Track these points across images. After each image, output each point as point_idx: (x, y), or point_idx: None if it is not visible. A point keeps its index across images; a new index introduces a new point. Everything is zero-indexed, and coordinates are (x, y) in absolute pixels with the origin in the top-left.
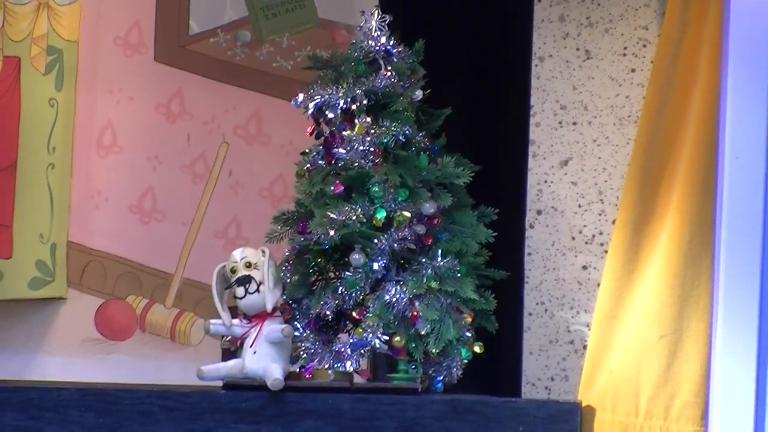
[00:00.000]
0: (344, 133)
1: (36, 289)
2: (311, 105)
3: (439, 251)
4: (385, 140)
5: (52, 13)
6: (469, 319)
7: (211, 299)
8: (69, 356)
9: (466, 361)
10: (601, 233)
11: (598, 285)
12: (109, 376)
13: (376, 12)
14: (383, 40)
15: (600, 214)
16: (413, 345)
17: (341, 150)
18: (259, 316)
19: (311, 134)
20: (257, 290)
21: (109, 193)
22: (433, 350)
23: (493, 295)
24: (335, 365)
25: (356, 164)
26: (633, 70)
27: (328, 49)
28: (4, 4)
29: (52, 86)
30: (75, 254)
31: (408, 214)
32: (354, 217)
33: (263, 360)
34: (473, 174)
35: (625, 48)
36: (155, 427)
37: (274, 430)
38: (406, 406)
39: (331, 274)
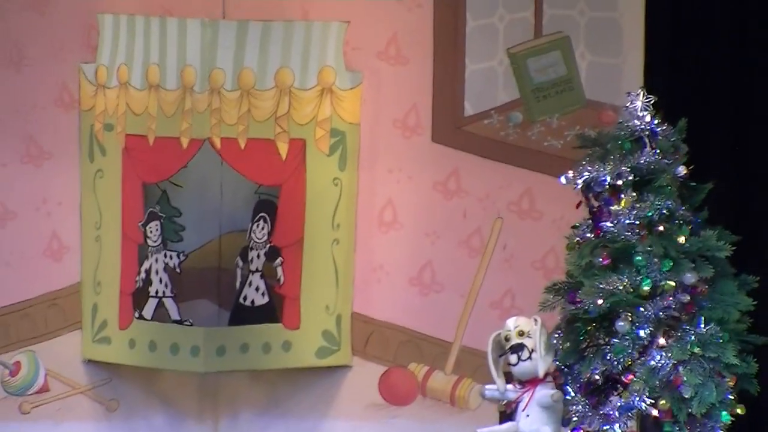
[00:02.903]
0: (611, 207)
1: (323, 357)
2: (579, 181)
3: (702, 318)
4: (649, 214)
5: (335, 97)
6: (732, 383)
7: (488, 366)
8: (354, 421)
9: (726, 422)
10: None
11: None
12: None
13: (642, 93)
14: (648, 119)
15: None
16: (677, 408)
17: (608, 224)
18: (531, 382)
19: (577, 207)
20: (529, 357)
21: (391, 267)
22: (697, 413)
23: (755, 359)
24: (603, 428)
25: (622, 237)
26: None
27: (595, 129)
28: (290, 90)
29: (336, 166)
30: (359, 324)
31: (673, 284)
32: (621, 287)
33: (535, 423)
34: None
35: None
36: None
37: None
38: None
39: (601, 341)
